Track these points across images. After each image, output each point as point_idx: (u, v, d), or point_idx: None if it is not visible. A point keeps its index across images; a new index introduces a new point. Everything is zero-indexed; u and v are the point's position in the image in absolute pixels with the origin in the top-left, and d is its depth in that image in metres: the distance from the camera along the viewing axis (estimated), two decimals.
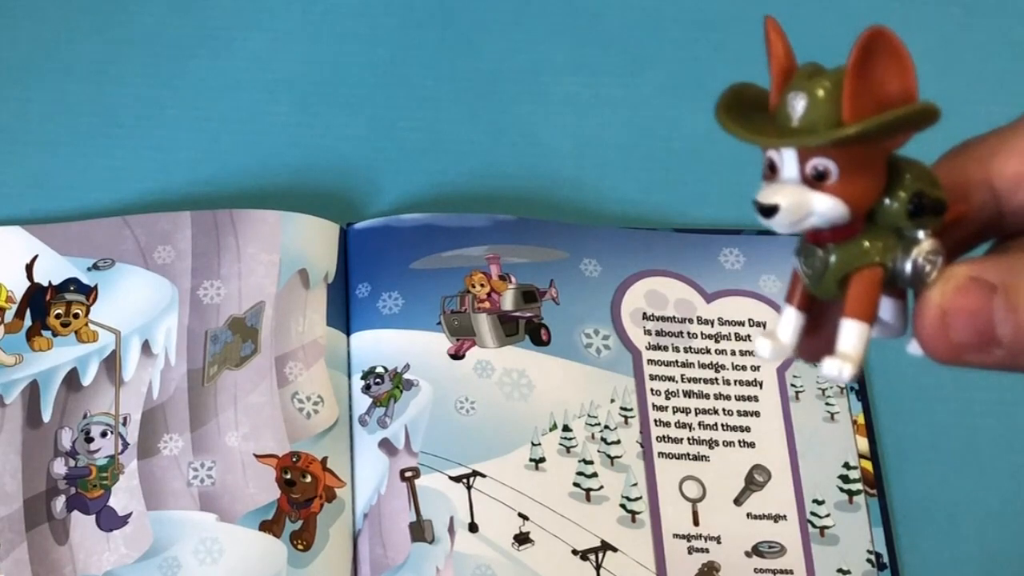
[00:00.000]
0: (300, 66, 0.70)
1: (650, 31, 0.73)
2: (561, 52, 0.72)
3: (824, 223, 0.30)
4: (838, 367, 0.29)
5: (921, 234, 0.30)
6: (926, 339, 0.30)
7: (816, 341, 0.32)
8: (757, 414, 0.60)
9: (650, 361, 0.61)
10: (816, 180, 0.29)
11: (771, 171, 0.30)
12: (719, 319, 0.62)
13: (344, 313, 0.61)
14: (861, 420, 0.60)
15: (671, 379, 0.61)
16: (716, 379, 0.61)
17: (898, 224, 0.30)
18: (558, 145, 0.69)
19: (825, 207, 0.29)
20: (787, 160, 0.29)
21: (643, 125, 0.70)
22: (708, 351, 0.62)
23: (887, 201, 0.30)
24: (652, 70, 0.71)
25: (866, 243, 0.30)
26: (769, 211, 0.29)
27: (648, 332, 0.62)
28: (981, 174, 0.31)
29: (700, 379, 0.61)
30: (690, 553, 0.57)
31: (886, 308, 0.31)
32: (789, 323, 0.32)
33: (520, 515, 0.56)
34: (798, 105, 0.29)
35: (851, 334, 0.30)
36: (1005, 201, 0.31)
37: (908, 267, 0.30)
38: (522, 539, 0.56)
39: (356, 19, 0.72)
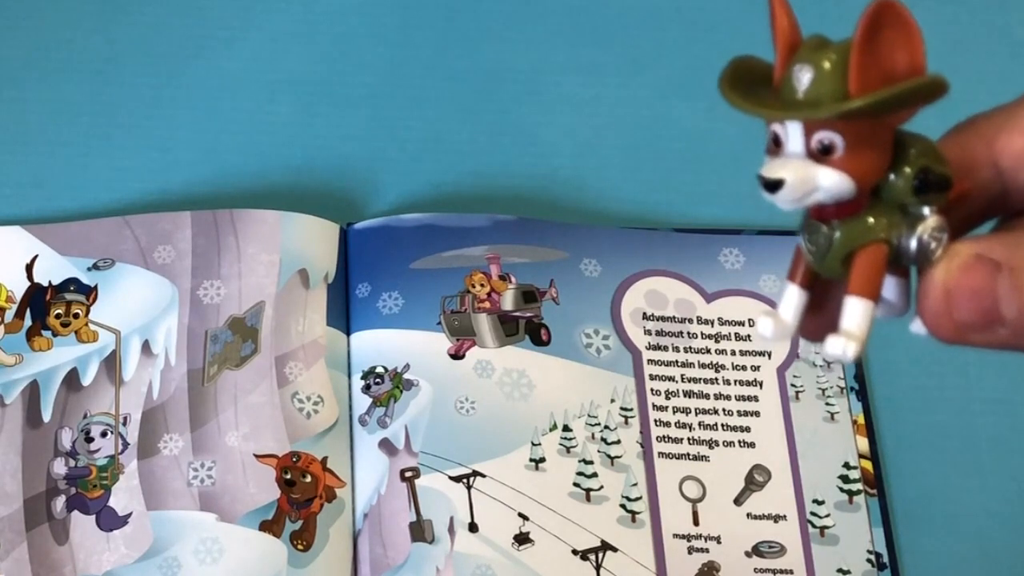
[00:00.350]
0: (300, 66, 0.70)
1: (650, 31, 0.73)
2: (561, 52, 0.72)
3: (829, 198, 0.29)
4: (842, 345, 0.29)
5: (926, 211, 0.29)
6: (930, 318, 0.30)
7: (819, 320, 0.31)
8: (757, 414, 0.60)
9: (650, 361, 0.61)
10: (821, 154, 0.29)
11: (775, 145, 0.29)
12: (719, 319, 0.62)
13: (344, 313, 0.61)
14: (861, 420, 0.60)
15: (671, 379, 0.61)
16: (716, 379, 0.61)
17: (903, 200, 0.29)
18: (558, 145, 0.69)
19: (831, 182, 0.29)
20: (792, 134, 0.29)
21: (643, 125, 0.69)
22: (708, 351, 0.62)
23: (892, 177, 0.29)
24: (652, 70, 0.71)
25: (871, 219, 0.30)
26: (774, 185, 0.29)
27: (648, 332, 0.62)
28: (986, 151, 0.31)
29: (700, 379, 0.61)
30: (690, 553, 0.57)
31: (889, 287, 0.31)
32: (791, 301, 0.31)
33: (520, 515, 0.56)
34: (804, 78, 0.28)
35: (855, 312, 0.29)
36: (1010, 178, 0.31)
37: (913, 244, 0.29)
38: (522, 539, 0.56)
39: (356, 19, 0.72)
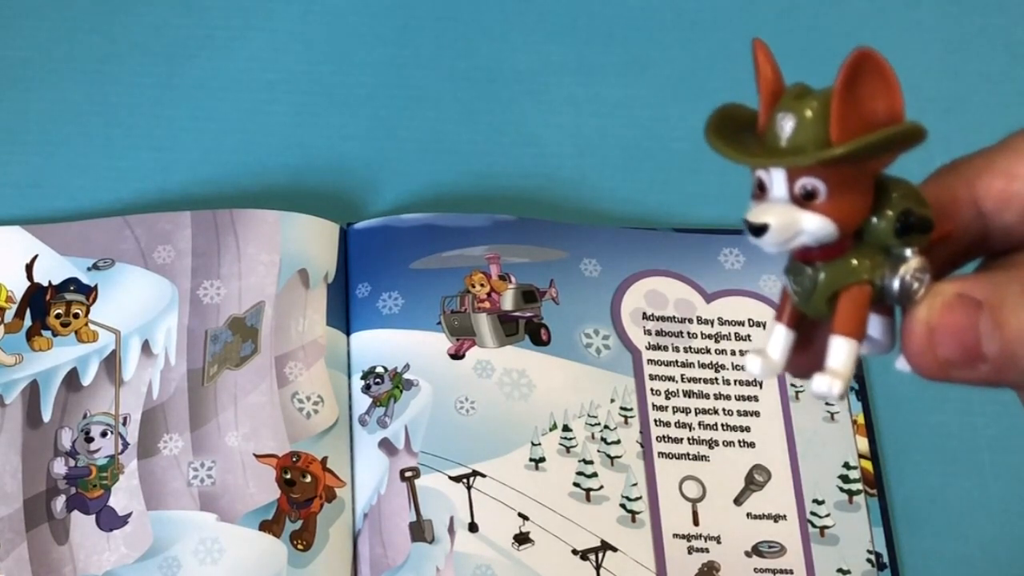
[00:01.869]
0: (300, 66, 0.70)
1: (650, 31, 0.73)
2: (561, 52, 0.72)
3: (813, 241, 0.30)
4: (828, 383, 0.30)
5: (908, 252, 0.30)
6: (913, 355, 0.31)
7: (806, 358, 0.32)
8: (757, 414, 0.60)
9: (650, 361, 0.61)
10: (805, 199, 0.29)
11: (760, 190, 0.30)
12: (719, 319, 0.62)
13: (344, 313, 0.61)
14: (861, 420, 0.60)
15: (671, 379, 0.61)
16: (716, 379, 0.61)
17: (886, 242, 0.30)
18: (558, 145, 0.69)
19: (814, 226, 0.29)
20: (776, 180, 0.30)
21: (643, 125, 0.70)
22: (708, 351, 0.62)
23: (875, 219, 0.30)
24: (652, 70, 0.71)
25: (854, 261, 0.30)
26: (759, 230, 0.30)
27: (648, 332, 0.62)
28: (967, 193, 0.32)
29: (700, 379, 0.61)
30: (690, 553, 0.57)
31: (874, 325, 0.32)
32: (779, 341, 0.32)
33: (520, 515, 0.56)
34: (786, 125, 0.29)
35: (840, 351, 0.30)
36: (991, 220, 0.32)
37: (896, 284, 0.30)
38: (522, 539, 0.56)
39: (356, 19, 0.72)
